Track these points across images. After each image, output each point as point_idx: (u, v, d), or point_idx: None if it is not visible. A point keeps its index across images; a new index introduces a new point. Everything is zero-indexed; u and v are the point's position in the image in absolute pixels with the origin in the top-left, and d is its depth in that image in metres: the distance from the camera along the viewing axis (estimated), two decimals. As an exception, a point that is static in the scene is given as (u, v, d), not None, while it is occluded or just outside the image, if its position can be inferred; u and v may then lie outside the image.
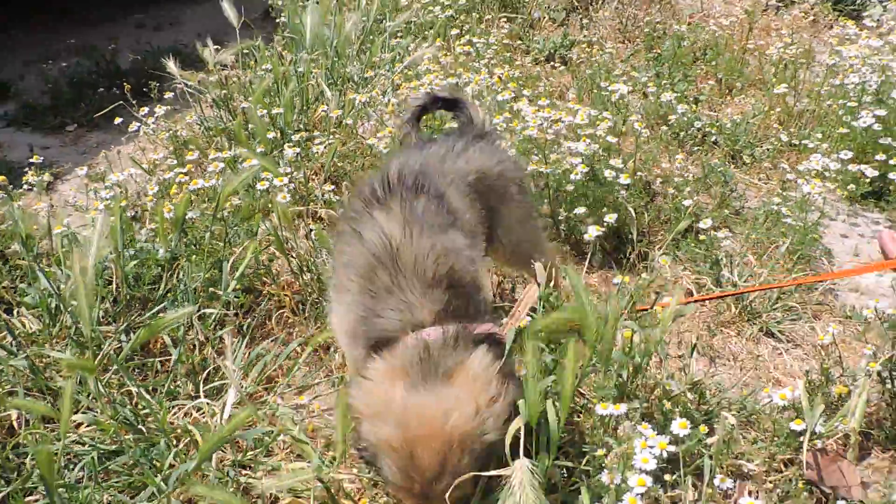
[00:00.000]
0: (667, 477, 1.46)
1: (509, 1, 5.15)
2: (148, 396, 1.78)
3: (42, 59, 4.65)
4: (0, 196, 2.35)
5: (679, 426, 1.44)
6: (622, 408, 1.48)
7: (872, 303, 2.02)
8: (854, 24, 4.09)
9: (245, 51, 3.57)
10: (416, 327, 1.38)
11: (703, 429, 1.67)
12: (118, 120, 3.01)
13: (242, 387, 1.95)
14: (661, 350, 1.77)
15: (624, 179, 2.58)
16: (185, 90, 3.24)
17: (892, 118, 2.92)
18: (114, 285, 2.07)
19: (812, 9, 4.56)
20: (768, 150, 3.38)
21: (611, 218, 2.34)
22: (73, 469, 1.66)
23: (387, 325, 1.40)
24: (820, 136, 3.26)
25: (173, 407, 1.83)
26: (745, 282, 2.41)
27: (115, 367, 1.86)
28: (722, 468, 1.69)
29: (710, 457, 1.58)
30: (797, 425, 1.72)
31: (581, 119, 2.63)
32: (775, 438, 1.82)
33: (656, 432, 1.50)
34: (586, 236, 2.27)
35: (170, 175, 2.57)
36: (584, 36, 4.72)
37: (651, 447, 1.30)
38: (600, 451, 1.43)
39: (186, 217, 2.18)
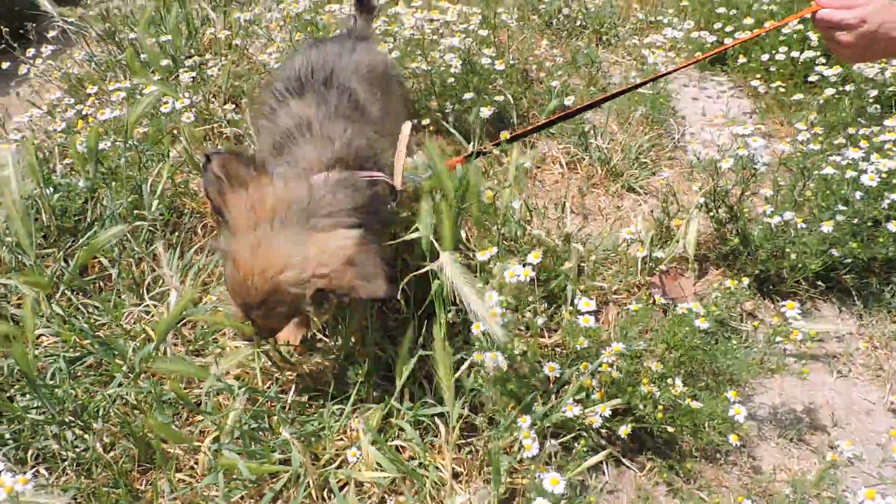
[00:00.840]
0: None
1: None
2: (98, 304, 2.01)
3: None
4: None
5: (533, 256, 1.82)
6: (494, 250, 1.85)
7: (704, 150, 2.46)
8: None
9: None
10: (310, 167, 1.59)
11: (568, 264, 2.08)
12: (5, 65, 3.01)
13: (181, 291, 2.22)
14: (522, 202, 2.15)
15: (499, 66, 2.88)
16: (66, 29, 3.24)
17: (726, -11, 3.31)
18: (43, 218, 2.24)
19: None
20: (630, 29, 3.75)
21: (498, 97, 2.67)
22: (44, 378, 1.91)
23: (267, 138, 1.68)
24: (672, 11, 3.64)
25: (123, 315, 2.08)
26: (608, 145, 2.81)
27: (63, 287, 2.08)
28: (588, 295, 2.13)
29: (571, 284, 2.00)
30: (640, 252, 2.17)
31: (451, 16, 2.88)
32: (630, 268, 2.28)
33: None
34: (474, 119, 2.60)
35: (71, 113, 2.67)
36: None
37: (517, 275, 1.67)
38: (479, 285, 1.81)
39: (99, 148, 2.34)
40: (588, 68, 3.40)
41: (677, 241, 2.22)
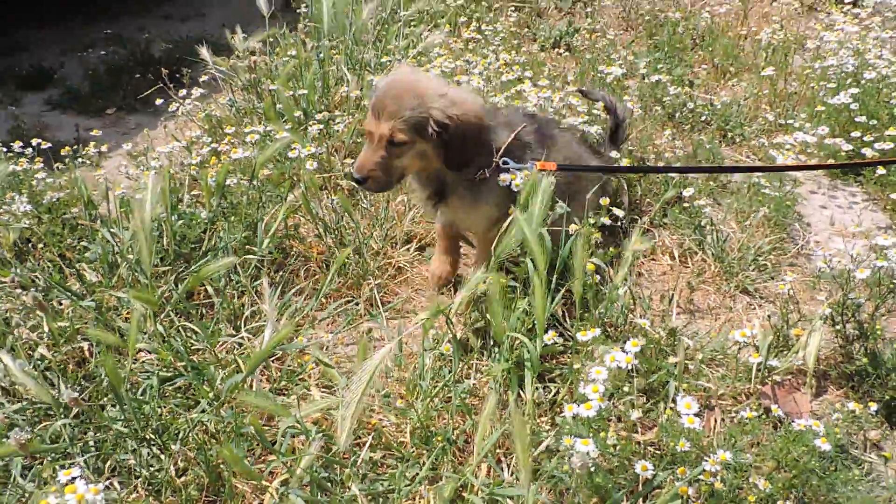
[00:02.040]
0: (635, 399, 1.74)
1: (517, -8, 5.39)
2: (197, 330, 2.07)
3: (79, 49, 4.97)
4: (60, 167, 2.65)
5: (631, 344, 1.71)
6: (597, 331, 1.76)
7: (832, 259, 2.28)
8: (838, 11, 4.29)
9: (270, 38, 3.86)
10: None
11: (672, 359, 1.94)
12: (159, 101, 3.31)
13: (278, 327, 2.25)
14: (627, 288, 2.06)
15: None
16: (216, 76, 3.54)
17: (867, 98, 3.15)
18: (164, 242, 2.37)
19: (807, -3, 4.76)
20: (756, 129, 3.63)
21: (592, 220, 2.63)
22: (136, 392, 1.97)
23: None
24: (804, 116, 3.50)
25: (218, 343, 2.13)
26: (724, 243, 2.67)
27: (168, 308, 2.16)
28: (692, 395, 1.97)
29: (675, 380, 1.86)
30: (754, 359, 2.00)
31: (576, 99, 2.89)
32: (738, 374, 2.10)
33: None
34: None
35: (207, 150, 2.87)
36: (589, 24, 4.96)
37: (618, 361, 1.57)
38: (577, 366, 1.71)
39: (226, 184, 2.48)
40: (708, 163, 3.30)
41: (796, 352, 2.03)
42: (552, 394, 2.04)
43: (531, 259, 1.85)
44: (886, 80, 3.07)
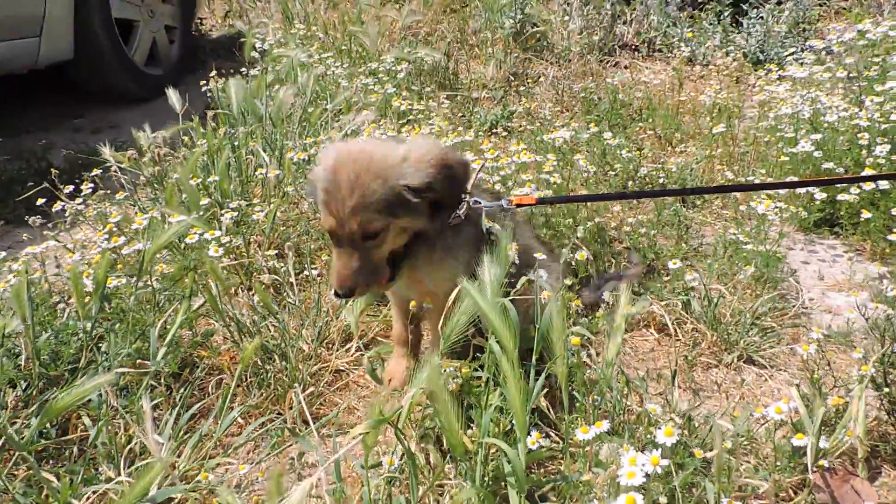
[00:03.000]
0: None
1: (448, 83, 5.27)
2: (55, 481, 1.50)
3: (-29, 165, 4.46)
4: None
5: (665, 433, 1.26)
6: (604, 425, 1.30)
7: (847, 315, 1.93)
8: (763, 81, 4.26)
9: (183, 135, 3.48)
10: None
11: (699, 453, 1.49)
12: (55, 208, 2.79)
13: (175, 465, 1.69)
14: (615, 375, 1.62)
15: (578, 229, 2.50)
16: (119, 178, 3.09)
17: (828, 143, 2.96)
18: (23, 363, 1.82)
19: (733, 63, 4.77)
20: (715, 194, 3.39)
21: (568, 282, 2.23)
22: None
23: None
24: (763, 171, 3.29)
25: (89, 492, 1.55)
26: (716, 308, 2.30)
27: (18, 452, 1.58)
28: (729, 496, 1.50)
29: (711, 481, 1.39)
30: (799, 440, 1.56)
31: (527, 157, 2.57)
32: (777, 462, 1.65)
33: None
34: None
35: (95, 252, 2.37)
36: (524, 105, 4.81)
37: (643, 464, 1.11)
38: (587, 476, 1.23)
39: (110, 285, 1.97)
40: (675, 228, 3.00)
41: (843, 427, 1.61)
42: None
43: (496, 340, 1.40)
44: (846, 122, 2.89)
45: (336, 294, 1.67)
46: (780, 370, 2.19)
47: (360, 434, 1.19)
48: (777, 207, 2.49)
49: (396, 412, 1.30)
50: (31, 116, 5.45)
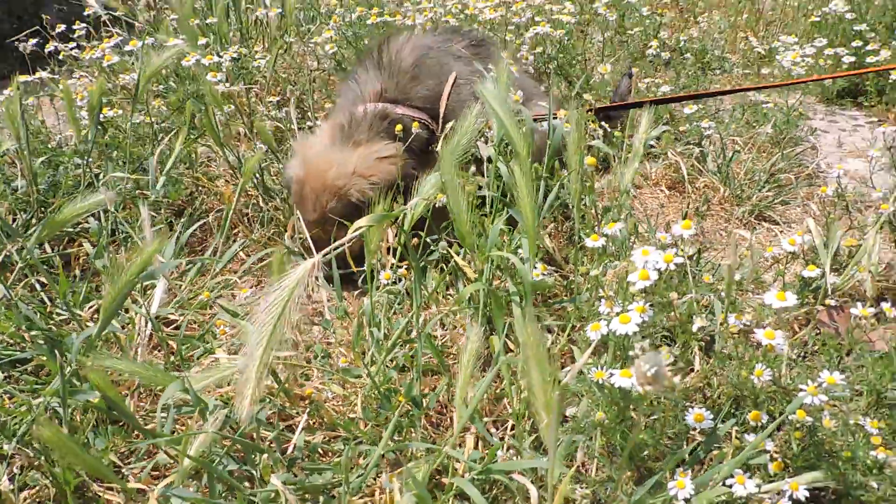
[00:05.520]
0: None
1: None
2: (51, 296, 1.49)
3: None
4: None
5: (682, 226, 1.22)
6: (616, 226, 1.26)
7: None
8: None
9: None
10: (362, 101, 1.77)
11: (708, 278, 1.46)
12: (48, 48, 2.67)
13: (175, 290, 1.69)
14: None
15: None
16: (112, 31, 2.93)
17: (863, 5, 2.78)
18: (19, 184, 1.78)
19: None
20: (738, 60, 3.23)
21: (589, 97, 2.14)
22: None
23: (344, 100, 1.87)
24: (793, 36, 3.12)
25: (86, 307, 1.55)
26: (730, 164, 2.22)
27: (19, 264, 1.57)
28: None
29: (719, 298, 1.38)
30: (810, 271, 1.53)
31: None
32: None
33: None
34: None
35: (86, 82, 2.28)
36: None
37: (655, 262, 1.07)
38: (595, 271, 1.20)
39: (105, 114, 1.90)
40: (695, 90, 2.87)
41: (855, 263, 1.58)
42: (549, 342, 1.54)
43: (508, 146, 1.33)
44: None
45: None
46: (792, 226, 2.14)
47: (361, 228, 1.15)
48: (804, 61, 2.36)
49: (401, 210, 1.26)
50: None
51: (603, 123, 1.98)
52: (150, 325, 1.42)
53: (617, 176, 1.50)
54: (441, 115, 1.78)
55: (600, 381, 0.98)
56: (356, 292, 1.72)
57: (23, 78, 2.23)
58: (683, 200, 2.28)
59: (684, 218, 1.80)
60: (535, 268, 1.49)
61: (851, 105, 2.98)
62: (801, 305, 1.61)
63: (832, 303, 1.60)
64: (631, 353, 0.98)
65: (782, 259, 1.59)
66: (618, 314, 0.98)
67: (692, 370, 1.38)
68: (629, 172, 1.44)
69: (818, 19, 2.83)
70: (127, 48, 2.10)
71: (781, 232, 2.13)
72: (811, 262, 1.53)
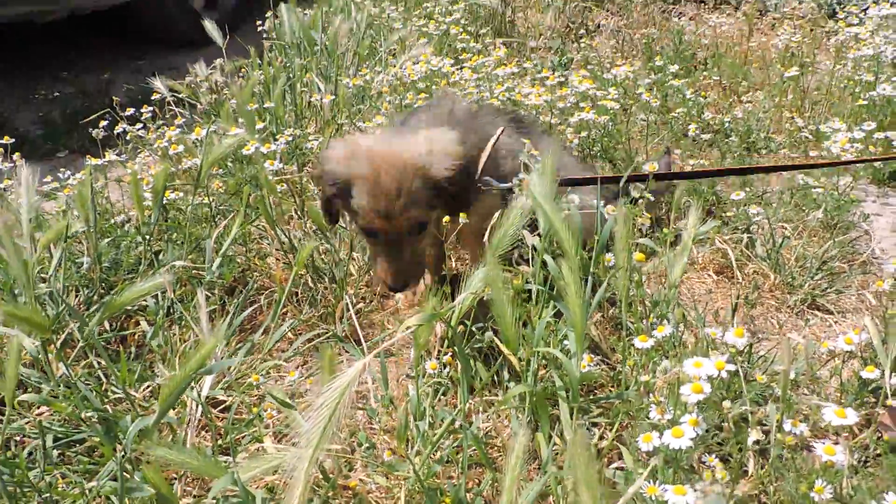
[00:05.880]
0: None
1: (504, 30, 5.14)
2: (113, 374, 1.54)
3: (37, 99, 4.60)
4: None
5: (735, 334, 1.20)
6: (667, 328, 1.25)
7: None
8: (843, 24, 3.98)
9: (240, 69, 3.50)
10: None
11: (761, 377, 1.43)
12: (117, 129, 2.84)
13: (226, 372, 1.72)
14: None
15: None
16: (176, 112, 3.12)
17: (914, 88, 2.77)
18: (84, 264, 1.87)
19: (808, 8, 4.51)
20: (784, 140, 3.23)
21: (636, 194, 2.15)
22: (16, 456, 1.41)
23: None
24: (837, 120, 3.11)
25: (143, 387, 1.59)
26: (780, 250, 2.19)
27: (80, 344, 1.63)
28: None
29: (775, 402, 1.33)
30: (869, 373, 1.48)
31: (589, 84, 2.48)
32: (842, 399, 1.58)
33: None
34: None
35: (153, 170, 2.41)
36: (582, 54, 4.66)
37: (706, 372, 1.06)
38: (647, 377, 1.19)
39: (167, 197, 2.00)
40: (738, 176, 2.86)
41: (917, 364, 1.52)
42: (595, 437, 1.51)
43: (556, 244, 1.35)
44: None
45: (389, 289, 1.69)
46: (847, 316, 2.08)
47: (410, 328, 1.17)
48: (854, 148, 2.34)
49: (449, 310, 1.28)
50: (95, 58, 5.56)
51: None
52: (200, 408, 1.45)
53: (663, 261, 1.50)
54: (480, 168, 1.79)
55: (653, 497, 0.95)
56: (402, 376, 1.73)
57: (94, 161, 2.37)
58: (732, 286, 2.24)
59: (734, 310, 1.77)
60: (582, 359, 1.48)
61: (905, 187, 2.92)
62: (861, 405, 1.56)
63: (894, 404, 1.54)
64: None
65: (839, 355, 1.54)
66: (670, 424, 0.96)
67: (745, 472, 1.34)
68: (678, 267, 1.44)
69: (865, 102, 2.82)
70: (192, 137, 2.22)
71: (836, 322, 2.07)
72: (870, 363, 1.48)
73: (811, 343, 1.80)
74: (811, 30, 4.60)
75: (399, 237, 1.64)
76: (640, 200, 1.69)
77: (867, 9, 4.56)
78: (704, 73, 4.16)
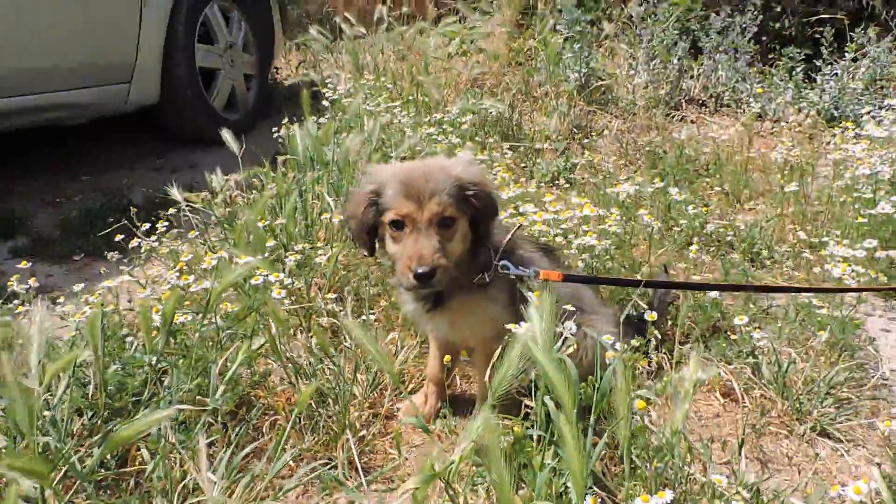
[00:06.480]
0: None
1: (511, 134, 5.31)
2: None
3: (58, 200, 4.76)
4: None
5: None
6: (667, 495, 1.23)
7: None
8: (840, 139, 4.09)
9: (253, 176, 3.62)
10: None
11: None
12: (132, 244, 2.92)
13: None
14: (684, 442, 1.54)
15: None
16: (191, 219, 3.22)
17: (913, 206, 2.82)
18: (90, 393, 1.88)
19: (807, 119, 4.65)
20: (787, 251, 3.26)
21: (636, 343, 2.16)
22: None
23: None
24: (838, 233, 3.15)
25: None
26: (786, 374, 2.18)
27: (79, 481, 1.63)
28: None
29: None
30: (881, 525, 1.44)
31: (589, 211, 2.55)
32: (855, 548, 1.52)
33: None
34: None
35: (166, 287, 2.46)
36: (587, 158, 4.80)
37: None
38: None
39: (177, 321, 2.04)
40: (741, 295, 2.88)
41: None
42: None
43: (551, 398, 1.36)
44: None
45: (416, 277, 1.71)
46: (858, 446, 2.04)
47: (409, 489, 1.16)
48: (854, 271, 2.36)
49: (448, 467, 1.27)
50: (116, 157, 5.76)
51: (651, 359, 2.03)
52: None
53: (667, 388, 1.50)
54: (500, 250, 1.93)
55: None
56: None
57: (107, 283, 2.43)
58: (740, 410, 2.22)
59: (741, 445, 1.75)
60: (586, 500, 1.45)
61: (911, 302, 2.92)
62: (876, 556, 1.50)
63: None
64: None
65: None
66: None
67: None
68: (680, 413, 1.44)
69: (865, 220, 2.87)
70: (203, 265, 2.29)
71: (847, 452, 2.03)
72: (881, 515, 1.44)
73: (820, 485, 1.76)
74: (810, 138, 4.73)
75: (428, 225, 1.75)
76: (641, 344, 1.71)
77: (867, 114, 4.70)
78: (707, 180, 4.26)
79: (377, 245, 1.94)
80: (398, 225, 1.80)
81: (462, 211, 1.81)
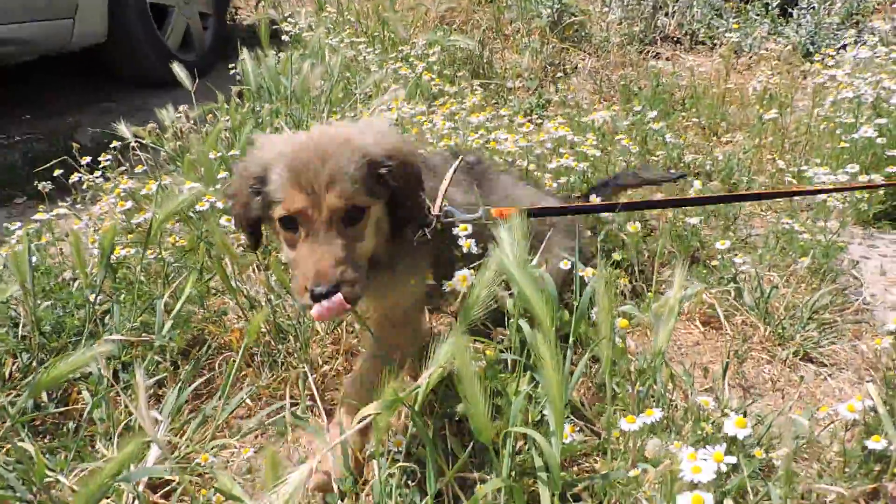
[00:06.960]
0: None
1: (482, 72, 5.11)
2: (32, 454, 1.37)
3: (2, 143, 4.46)
4: None
5: (736, 424, 1.08)
6: (655, 413, 1.12)
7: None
8: (820, 65, 3.98)
9: (209, 113, 3.39)
10: None
11: (759, 452, 1.30)
12: (73, 178, 2.70)
13: (175, 444, 1.57)
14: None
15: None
16: (140, 157, 3.00)
17: (893, 129, 2.73)
18: (21, 332, 1.71)
19: (784, 49, 4.52)
20: (766, 182, 3.17)
21: (617, 257, 2.04)
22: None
23: None
24: (819, 161, 3.06)
25: (78, 470, 1.43)
26: (768, 300, 2.09)
27: (9, 422, 1.47)
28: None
29: (776, 485, 1.21)
30: (875, 442, 1.36)
31: (565, 131, 2.40)
32: (846, 468, 1.45)
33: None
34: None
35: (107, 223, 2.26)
36: (561, 96, 4.63)
37: (704, 458, 0.94)
38: (635, 472, 1.06)
39: (117, 255, 1.86)
40: (720, 218, 2.79)
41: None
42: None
43: (530, 314, 1.23)
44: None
45: (312, 297, 1.26)
46: (842, 369, 1.98)
47: (370, 415, 1.04)
48: (839, 195, 2.27)
49: (413, 391, 1.14)
50: (63, 100, 5.43)
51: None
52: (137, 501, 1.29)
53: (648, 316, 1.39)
54: (438, 205, 1.61)
55: None
56: (366, 454, 1.57)
57: (39, 216, 2.23)
58: (721, 338, 2.14)
59: (724, 370, 1.66)
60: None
61: (890, 227, 2.86)
62: (867, 475, 1.43)
63: (902, 474, 1.42)
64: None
65: (841, 422, 1.43)
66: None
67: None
68: (664, 333, 1.33)
69: (847, 145, 2.77)
70: (144, 191, 2.09)
71: (831, 375, 1.96)
72: (874, 433, 1.37)
73: (806, 407, 1.69)
74: (788, 71, 4.61)
75: (329, 224, 1.31)
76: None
77: (842, 48, 4.60)
78: (683, 114, 4.14)
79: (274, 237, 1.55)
80: (289, 224, 1.36)
81: (375, 194, 1.39)
